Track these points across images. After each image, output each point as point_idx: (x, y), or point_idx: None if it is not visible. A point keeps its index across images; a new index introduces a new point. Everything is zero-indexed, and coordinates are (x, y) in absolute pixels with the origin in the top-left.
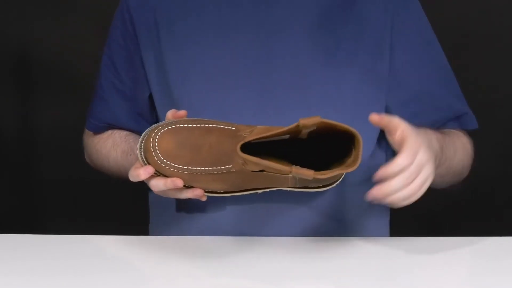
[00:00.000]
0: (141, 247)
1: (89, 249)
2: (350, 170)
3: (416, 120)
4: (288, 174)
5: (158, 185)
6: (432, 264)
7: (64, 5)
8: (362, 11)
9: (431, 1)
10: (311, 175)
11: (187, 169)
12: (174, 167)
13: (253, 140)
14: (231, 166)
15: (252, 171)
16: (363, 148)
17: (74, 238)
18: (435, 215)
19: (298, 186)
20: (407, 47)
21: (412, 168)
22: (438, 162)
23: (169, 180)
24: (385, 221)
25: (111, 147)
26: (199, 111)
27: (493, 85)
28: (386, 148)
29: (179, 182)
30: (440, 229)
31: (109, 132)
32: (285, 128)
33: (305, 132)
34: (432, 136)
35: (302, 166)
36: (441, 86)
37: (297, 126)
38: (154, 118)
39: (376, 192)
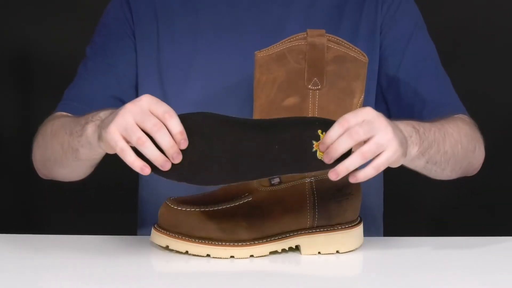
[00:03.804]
0: (140, 247)
1: (89, 249)
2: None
3: (402, 102)
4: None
5: (165, 137)
6: (432, 264)
7: (64, 5)
8: (354, 8)
9: (430, 2)
10: (323, 33)
11: (204, 206)
12: (189, 207)
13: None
14: (247, 194)
15: (269, 186)
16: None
17: (73, 238)
18: (435, 215)
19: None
20: (396, 36)
21: (364, 125)
22: (418, 145)
23: (177, 148)
24: (378, 224)
25: (62, 116)
26: (196, 108)
27: (490, 85)
28: None
29: (177, 158)
30: (440, 229)
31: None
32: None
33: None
34: (397, 122)
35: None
36: (426, 75)
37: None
38: None
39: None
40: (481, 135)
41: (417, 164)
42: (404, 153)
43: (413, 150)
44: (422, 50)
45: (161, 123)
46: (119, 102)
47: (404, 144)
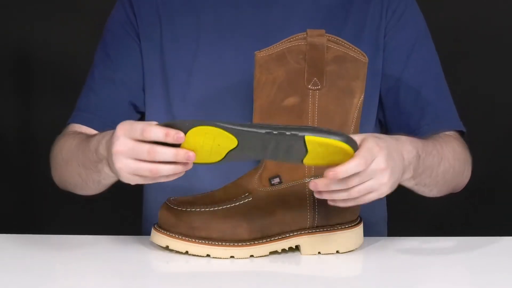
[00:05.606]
0: (140, 247)
1: (89, 249)
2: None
3: (400, 109)
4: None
5: (165, 153)
6: (432, 264)
7: (64, 5)
8: (359, 9)
9: (430, 3)
10: (323, 33)
11: (204, 206)
12: (189, 207)
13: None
14: (247, 194)
15: (269, 186)
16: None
17: (73, 238)
18: (436, 215)
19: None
20: (400, 42)
21: (363, 175)
22: (413, 171)
23: (182, 151)
24: (383, 224)
25: (76, 134)
26: (198, 108)
27: (491, 87)
28: None
29: (192, 155)
30: (441, 229)
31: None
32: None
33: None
34: (405, 144)
35: None
36: (427, 86)
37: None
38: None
39: (319, 184)
40: (470, 155)
41: (406, 184)
42: (396, 183)
43: (406, 175)
44: (426, 60)
45: (149, 144)
46: (130, 106)
47: (398, 179)
